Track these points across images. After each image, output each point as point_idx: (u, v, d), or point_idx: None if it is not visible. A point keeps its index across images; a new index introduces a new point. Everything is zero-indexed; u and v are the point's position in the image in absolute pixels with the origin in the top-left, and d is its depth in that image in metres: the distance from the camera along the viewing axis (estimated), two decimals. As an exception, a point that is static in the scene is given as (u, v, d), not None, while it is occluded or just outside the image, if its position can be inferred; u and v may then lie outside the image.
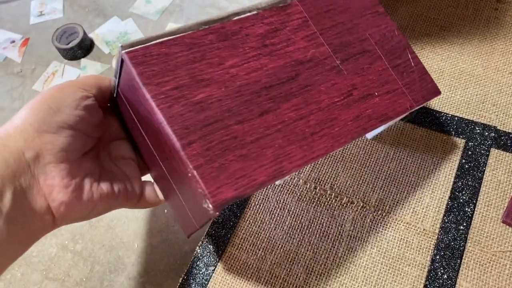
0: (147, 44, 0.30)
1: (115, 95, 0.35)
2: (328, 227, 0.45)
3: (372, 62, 0.37)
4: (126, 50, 0.29)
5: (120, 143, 0.37)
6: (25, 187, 0.28)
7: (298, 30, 0.35)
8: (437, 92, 0.40)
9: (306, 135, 0.31)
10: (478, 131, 0.49)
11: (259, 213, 0.46)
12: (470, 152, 0.48)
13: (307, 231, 0.45)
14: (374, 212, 0.46)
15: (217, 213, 0.27)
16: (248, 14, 0.34)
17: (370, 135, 0.49)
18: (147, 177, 0.38)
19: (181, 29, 0.31)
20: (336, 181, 0.48)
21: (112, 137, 0.36)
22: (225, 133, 0.29)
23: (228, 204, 0.28)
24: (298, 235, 0.45)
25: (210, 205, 0.27)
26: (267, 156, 0.29)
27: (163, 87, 0.29)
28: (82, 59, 0.61)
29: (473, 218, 0.44)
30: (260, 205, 0.47)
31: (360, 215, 0.46)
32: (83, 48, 0.61)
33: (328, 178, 0.48)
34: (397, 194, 0.46)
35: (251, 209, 0.47)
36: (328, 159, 0.49)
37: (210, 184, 0.27)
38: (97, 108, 0.33)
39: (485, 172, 0.47)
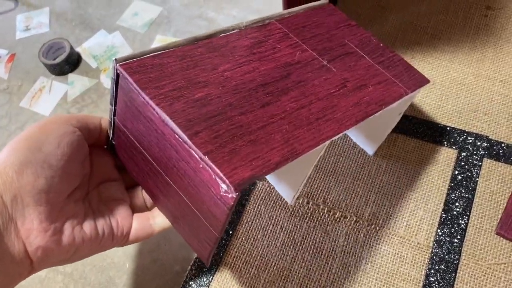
0: (140, 58, 0.30)
1: (111, 134, 0.34)
2: (322, 243, 0.45)
3: (357, 60, 0.38)
4: (121, 63, 0.29)
5: (112, 184, 0.36)
6: (2, 230, 0.27)
7: (281, 41, 0.37)
8: (425, 81, 0.40)
9: (311, 120, 0.32)
10: (470, 141, 0.48)
11: (251, 230, 0.46)
12: (462, 163, 0.47)
13: (300, 248, 0.45)
14: (367, 226, 0.45)
15: (237, 194, 0.26)
16: (232, 31, 0.35)
17: (371, 150, 0.48)
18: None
19: (170, 45, 0.32)
20: (328, 195, 0.47)
21: (104, 178, 0.36)
22: (230, 123, 0.29)
23: (246, 185, 0.27)
24: (291, 252, 0.45)
25: (228, 188, 0.26)
26: (276, 139, 0.29)
27: (162, 89, 0.29)
28: (70, 74, 0.60)
29: (467, 231, 0.44)
30: (252, 222, 0.46)
31: (354, 229, 0.45)
32: (70, 63, 0.60)
33: (320, 192, 0.47)
34: (390, 208, 0.46)
35: (243, 226, 0.46)
36: (319, 172, 0.48)
37: (224, 167, 0.26)
38: (83, 144, 0.32)
39: (478, 183, 0.46)
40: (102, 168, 0.35)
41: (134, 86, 0.29)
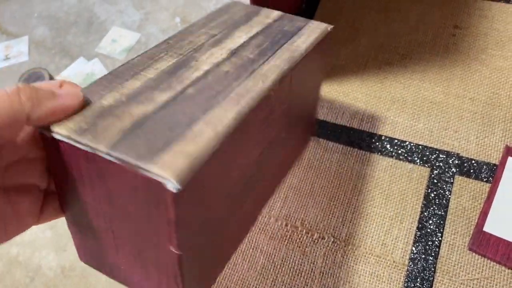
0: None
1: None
2: (301, 264, 0.46)
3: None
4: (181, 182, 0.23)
5: (28, 163, 0.29)
6: None
7: None
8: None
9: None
10: (442, 158, 0.50)
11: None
12: (435, 181, 0.49)
13: (280, 270, 0.46)
14: (344, 246, 0.46)
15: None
16: None
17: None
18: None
19: None
20: (306, 216, 0.48)
21: (16, 157, 0.28)
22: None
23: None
24: (271, 275, 0.45)
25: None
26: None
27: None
28: (50, 103, 0.61)
29: (441, 247, 0.45)
30: (232, 246, 0.47)
31: (331, 250, 0.46)
32: (50, 92, 0.60)
33: (298, 213, 0.48)
34: (366, 227, 0.47)
35: (223, 250, 0.47)
36: (296, 194, 0.50)
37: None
38: None
39: (450, 200, 0.48)
40: (14, 145, 0.27)
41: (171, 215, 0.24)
